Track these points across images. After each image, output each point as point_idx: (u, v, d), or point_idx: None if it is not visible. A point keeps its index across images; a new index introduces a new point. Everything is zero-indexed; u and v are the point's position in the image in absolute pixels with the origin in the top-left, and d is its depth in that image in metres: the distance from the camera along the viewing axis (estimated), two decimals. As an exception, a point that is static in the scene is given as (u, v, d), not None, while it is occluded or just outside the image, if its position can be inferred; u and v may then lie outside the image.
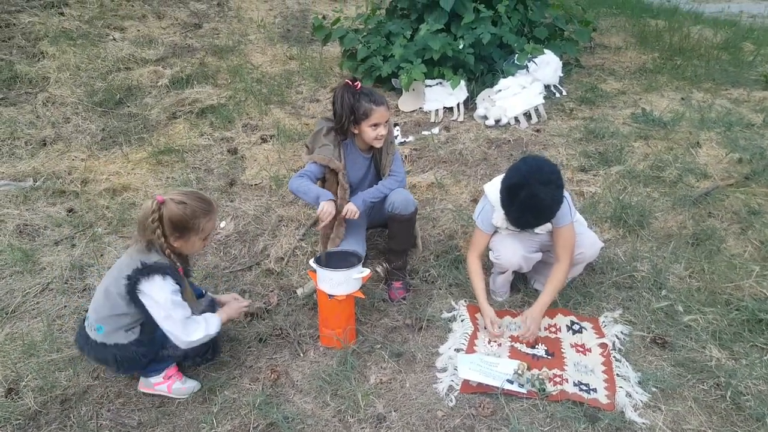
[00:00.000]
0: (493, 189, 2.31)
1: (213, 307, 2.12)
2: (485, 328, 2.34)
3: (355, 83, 2.32)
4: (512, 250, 2.39)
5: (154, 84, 4.41)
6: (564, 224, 2.28)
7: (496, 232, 2.45)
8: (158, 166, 3.54)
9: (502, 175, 2.25)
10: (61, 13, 5.15)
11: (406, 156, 3.81)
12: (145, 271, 1.82)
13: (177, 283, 1.88)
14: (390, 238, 2.60)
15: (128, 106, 4.17)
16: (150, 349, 1.95)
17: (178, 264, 1.91)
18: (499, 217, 2.33)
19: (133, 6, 5.60)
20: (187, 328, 1.89)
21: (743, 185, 3.32)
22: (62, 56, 4.53)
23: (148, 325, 1.92)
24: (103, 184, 3.32)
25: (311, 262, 2.24)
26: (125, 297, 1.84)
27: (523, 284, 2.66)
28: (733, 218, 3.05)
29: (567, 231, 2.29)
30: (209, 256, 2.84)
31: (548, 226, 2.33)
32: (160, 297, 1.83)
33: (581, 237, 2.39)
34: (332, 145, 2.38)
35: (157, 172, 3.48)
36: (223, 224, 3.04)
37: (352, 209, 2.35)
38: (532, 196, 2.07)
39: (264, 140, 3.89)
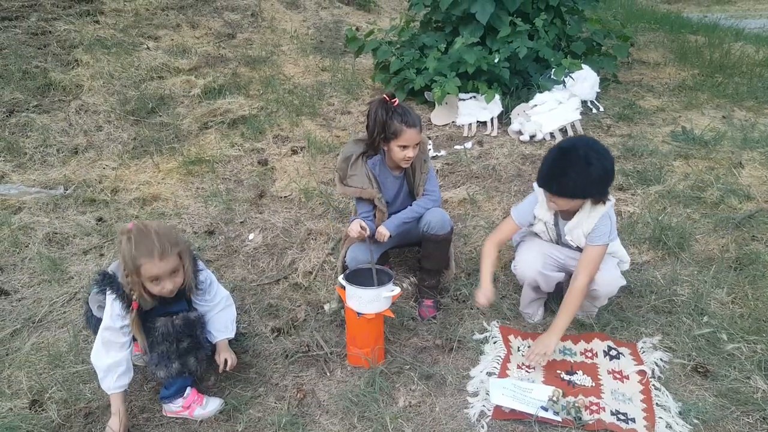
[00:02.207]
0: (534, 196, 2.28)
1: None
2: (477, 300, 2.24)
3: (393, 100, 2.28)
4: (531, 263, 2.30)
5: (187, 93, 4.46)
6: (597, 244, 2.17)
7: (522, 240, 2.39)
8: (188, 176, 3.55)
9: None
10: (97, 22, 5.27)
11: (438, 170, 3.76)
12: (106, 281, 1.80)
13: (125, 312, 1.80)
14: (424, 258, 2.54)
15: (160, 116, 4.21)
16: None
17: (134, 298, 1.79)
18: (543, 207, 2.25)
19: (167, 15, 5.71)
20: (101, 349, 1.82)
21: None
22: (96, 64, 4.62)
23: None
24: (133, 194, 3.35)
25: (340, 278, 2.19)
26: (95, 285, 1.86)
27: (557, 305, 2.56)
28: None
29: (596, 251, 2.17)
30: (237, 268, 2.81)
31: (582, 240, 2.21)
32: (107, 309, 1.81)
33: (601, 271, 2.25)
34: (361, 174, 2.35)
35: (187, 182, 3.50)
36: (251, 236, 3.02)
37: (383, 233, 2.33)
38: (572, 147, 2.03)
39: (294, 152, 3.88)
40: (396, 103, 2.27)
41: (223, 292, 2.12)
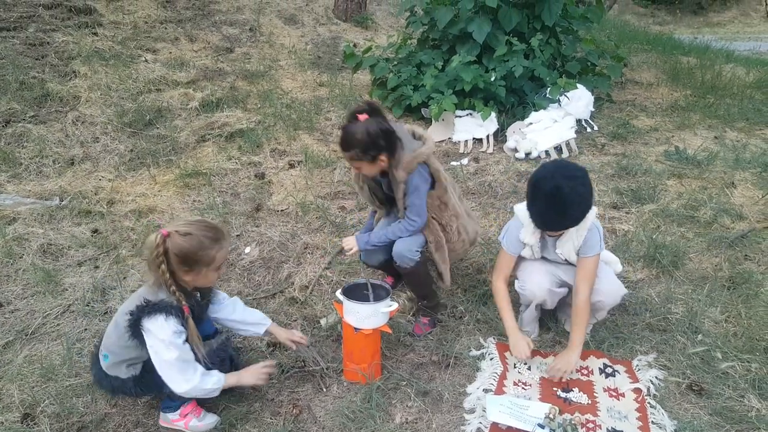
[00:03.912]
0: (521, 206, 2.23)
1: (225, 348, 2.02)
2: (512, 355, 2.23)
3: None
4: (538, 282, 2.30)
5: (184, 106, 4.48)
6: (590, 255, 2.19)
7: (522, 259, 2.36)
8: (185, 188, 3.55)
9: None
10: (95, 33, 5.29)
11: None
12: (148, 309, 1.74)
13: (181, 325, 1.78)
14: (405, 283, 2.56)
15: (157, 128, 4.22)
16: (147, 390, 1.89)
17: (184, 302, 1.80)
18: (528, 231, 2.23)
19: (166, 28, 5.74)
20: (185, 374, 1.78)
21: None
22: (94, 76, 4.63)
23: (149, 364, 1.82)
24: (129, 206, 3.33)
25: (338, 293, 2.19)
26: (128, 330, 1.77)
27: (553, 323, 2.57)
28: (769, 261, 2.95)
29: (591, 263, 2.20)
30: (233, 281, 2.80)
31: (573, 254, 2.23)
32: (162, 335, 1.74)
33: (603, 282, 2.28)
34: (360, 188, 2.40)
35: (183, 194, 3.49)
36: (247, 250, 3.01)
37: (349, 245, 2.36)
38: (556, 189, 1.97)
39: (292, 166, 3.89)
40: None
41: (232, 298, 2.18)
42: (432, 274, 2.56)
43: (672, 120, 4.85)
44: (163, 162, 3.84)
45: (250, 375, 1.96)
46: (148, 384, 1.87)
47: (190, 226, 1.77)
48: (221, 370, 1.91)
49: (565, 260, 2.30)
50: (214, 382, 1.84)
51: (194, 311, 1.86)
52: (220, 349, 1.98)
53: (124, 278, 2.78)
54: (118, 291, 2.66)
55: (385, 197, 2.43)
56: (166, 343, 1.74)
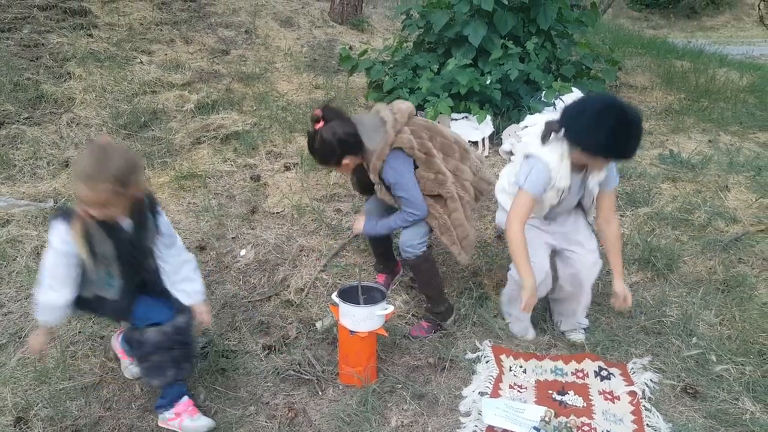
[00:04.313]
0: (545, 150, 2.05)
1: (182, 334, 1.92)
2: (522, 299, 2.14)
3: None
4: (540, 262, 2.24)
5: (180, 108, 4.46)
6: (612, 188, 2.28)
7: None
8: (180, 190, 3.53)
9: (535, 136, 2.09)
10: (90, 35, 5.26)
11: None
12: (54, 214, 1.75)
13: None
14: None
15: (152, 130, 4.20)
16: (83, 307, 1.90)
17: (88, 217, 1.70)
18: (564, 173, 2.07)
19: (161, 30, 5.72)
20: (42, 283, 1.78)
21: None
22: (89, 77, 4.60)
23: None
24: (125, 207, 3.31)
25: (334, 296, 2.19)
26: None
27: (549, 325, 2.58)
28: (764, 265, 2.98)
29: (613, 196, 2.32)
30: (228, 284, 2.79)
31: (596, 189, 2.23)
32: (50, 237, 1.74)
33: (581, 255, 2.33)
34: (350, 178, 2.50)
35: (178, 196, 3.48)
36: (243, 252, 3.01)
37: (356, 228, 2.43)
38: (636, 113, 1.92)
39: (287, 168, 3.89)
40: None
41: (189, 257, 2.02)
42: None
43: (666, 123, 4.88)
44: (158, 164, 3.82)
45: (34, 340, 1.90)
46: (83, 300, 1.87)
47: (96, 148, 1.70)
48: (172, 357, 1.89)
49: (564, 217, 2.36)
50: (41, 301, 1.81)
51: (120, 245, 1.79)
52: (174, 333, 1.89)
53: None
54: (113, 294, 2.65)
55: (364, 185, 2.41)
56: (49, 246, 1.76)
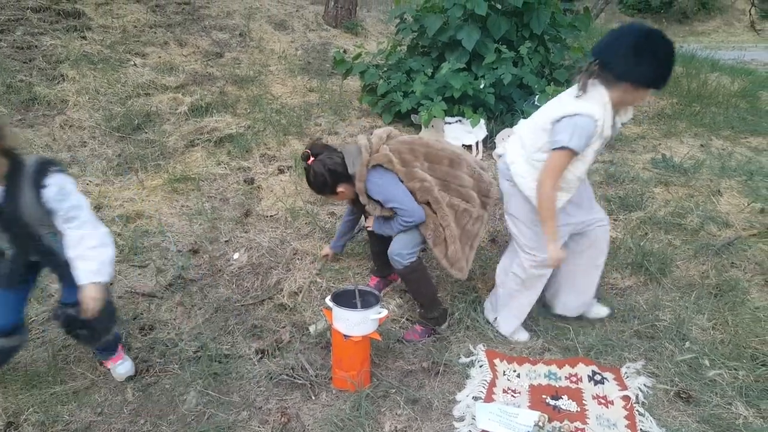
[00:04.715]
0: (584, 103, 1.98)
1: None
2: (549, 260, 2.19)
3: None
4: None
5: (173, 111, 4.45)
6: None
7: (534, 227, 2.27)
8: (173, 193, 3.52)
9: (556, 99, 2.09)
10: (83, 37, 5.24)
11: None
12: None
13: None
14: None
15: (146, 132, 4.18)
16: None
17: None
18: (608, 119, 2.02)
19: (155, 33, 5.71)
20: None
21: (766, 236, 3.26)
22: (82, 80, 4.58)
23: None
24: (117, 211, 3.29)
25: (327, 300, 2.18)
26: None
27: (542, 329, 2.57)
28: (756, 269, 2.99)
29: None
30: (221, 288, 2.78)
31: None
32: None
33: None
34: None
35: (172, 199, 3.46)
36: (236, 255, 2.99)
37: (368, 224, 2.50)
38: (668, 38, 1.90)
39: (281, 171, 3.88)
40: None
41: (98, 226, 1.85)
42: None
43: (659, 128, 4.92)
44: (151, 167, 3.80)
45: None
46: None
47: None
48: (80, 336, 2.00)
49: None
50: None
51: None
52: (69, 324, 1.92)
53: (111, 284, 2.74)
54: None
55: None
56: None
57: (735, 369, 2.30)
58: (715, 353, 2.39)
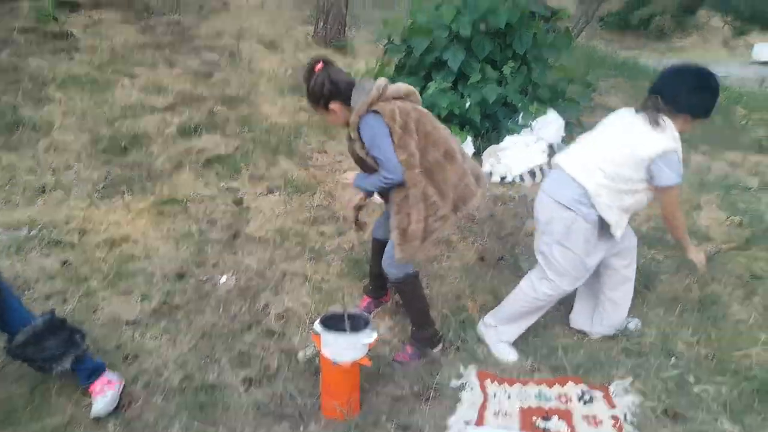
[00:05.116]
0: (666, 138, 2.20)
1: None
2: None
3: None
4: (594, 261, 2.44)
5: (161, 132, 4.43)
6: None
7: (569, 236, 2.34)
8: (160, 216, 3.49)
9: (640, 134, 2.23)
10: (71, 58, 5.21)
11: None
12: None
13: None
14: None
15: (133, 154, 4.16)
16: None
17: None
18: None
19: (144, 53, 5.70)
20: None
21: (744, 249, 3.33)
22: (69, 102, 4.55)
23: None
24: (102, 235, 3.25)
25: (315, 324, 2.17)
26: None
27: (531, 348, 2.59)
28: (737, 283, 3.06)
29: None
30: (207, 314, 2.75)
31: None
32: None
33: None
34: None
35: (158, 222, 3.44)
36: (223, 279, 2.98)
37: (347, 178, 2.42)
38: (714, 74, 2.29)
39: (270, 191, 3.88)
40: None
41: None
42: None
43: (640, 144, 5.00)
44: (137, 189, 3.78)
45: None
46: None
47: None
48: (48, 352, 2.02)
49: None
50: None
51: None
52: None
53: (94, 311, 2.71)
54: (87, 325, 2.57)
55: (358, 157, 2.35)
56: None
57: (719, 384, 2.33)
58: (699, 368, 2.43)
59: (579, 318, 2.73)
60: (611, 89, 6.44)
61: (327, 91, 2.20)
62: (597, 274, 2.55)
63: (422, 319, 2.49)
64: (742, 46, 19.37)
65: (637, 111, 2.31)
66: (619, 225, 2.34)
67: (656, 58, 11.16)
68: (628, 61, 8.41)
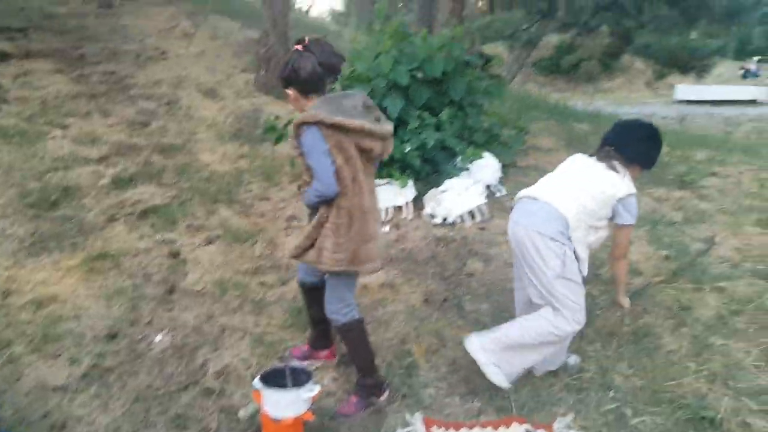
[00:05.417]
0: (628, 183, 2.45)
1: None
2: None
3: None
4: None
5: (94, 184, 4.28)
6: None
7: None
8: (91, 273, 3.33)
9: (603, 179, 2.43)
10: (-1, 110, 5.03)
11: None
12: None
13: None
14: None
15: (63, 209, 3.98)
16: None
17: None
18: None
19: (77, 103, 5.56)
20: None
21: (672, 281, 3.52)
22: (-5, 155, 4.36)
23: None
24: (27, 296, 3.06)
25: (255, 381, 2.11)
26: None
27: (478, 389, 2.58)
28: (667, 314, 3.20)
29: None
30: (142, 375, 2.61)
31: None
32: None
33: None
34: None
35: (89, 280, 3.28)
36: (158, 337, 2.85)
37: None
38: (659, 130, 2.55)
39: (209, 242, 3.79)
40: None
41: None
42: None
43: (572, 183, 5.26)
44: (67, 246, 3.60)
45: None
46: None
47: None
48: None
49: None
50: None
51: None
52: None
53: (18, 380, 2.52)
54: (9, 396, 2.39)
55: None
56: None
57: (655, 414, 2.41)
58: (636, 400, 2.50)
59: None
60: (543, 131, 6.79)
61: (286, 73, 2.20)
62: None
63: (368, 366, 2.47)
64: (665, 86, 21.11)
65: (590, 156, 2.59)
66: (585, 261, 2.50)
67: (586, 100, 11.91)
68: (559, 105, 8.94)
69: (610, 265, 2.60)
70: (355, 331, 2.41)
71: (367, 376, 2.46)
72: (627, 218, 2.49)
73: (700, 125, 12.31)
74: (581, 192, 2.43)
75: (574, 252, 2.42)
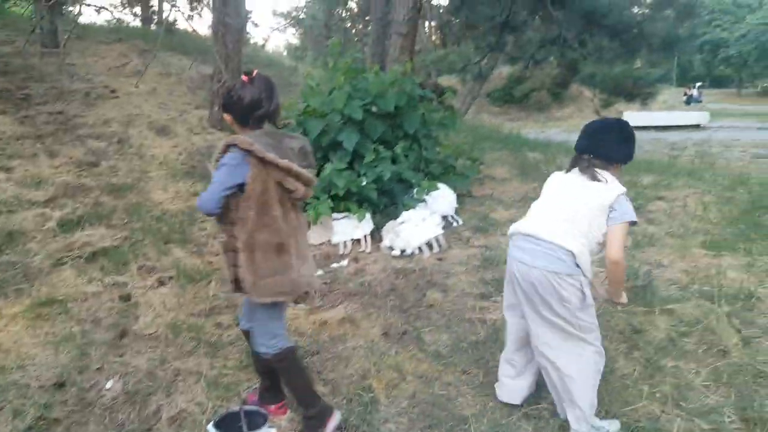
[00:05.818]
0: (617, 182, 2.38)
1: None
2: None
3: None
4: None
5: (40, 228, 4.13)
6: None
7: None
8: (37, 320, 3.19)
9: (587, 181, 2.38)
10: (-65, 156, 4.81)
11: (315, 291, 3.76)
12: None
13: None
14: None
15: (7, 254, 3.82)
16: None
17: None
18: None
19: (22, 144, 5.39)
20: None
21: (625, 306, 3.62)
22: (-69, 202, 4.16)
23: None
24: (-34, 348, 2.90)
25: (209, 426, 2.05)
26: None
27: (437, 422, 2.57)
28: (620, 338, 3.27)
29: None
30: (91, 425, 2.49)
31: None
32: None
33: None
34: None
35: (35, 327, 3.13)
36: (109, 384, 2.73)
37: None
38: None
39: (162, 283, 3.70)
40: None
41: None
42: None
43: (522, 213, 5.36)
44: (12, 292, 3.44)
45: None
46: None
47: None
48: None
49: None
50: None
51: None
52: None
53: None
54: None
55: None
56: None
57: (612, 440, 2.44)
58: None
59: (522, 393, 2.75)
60: (497, 161, 6.99)
61: (225, 99, 2.24)
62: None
63: (307, 396, 2.41)
64: (613, 113, 22.16)
65: (567, 172, 2.52)
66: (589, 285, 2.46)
67: (538, 129, 12.36)
68: (512, 134, 9.25)
69: (607, 268, 2.48)
70: (288, 360, 2.35)
71: (309, 407, 2.39)
72: (618, 216, 2.35)
73: (647, 150, 12.86)
74: (576, 215, 2.39)
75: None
